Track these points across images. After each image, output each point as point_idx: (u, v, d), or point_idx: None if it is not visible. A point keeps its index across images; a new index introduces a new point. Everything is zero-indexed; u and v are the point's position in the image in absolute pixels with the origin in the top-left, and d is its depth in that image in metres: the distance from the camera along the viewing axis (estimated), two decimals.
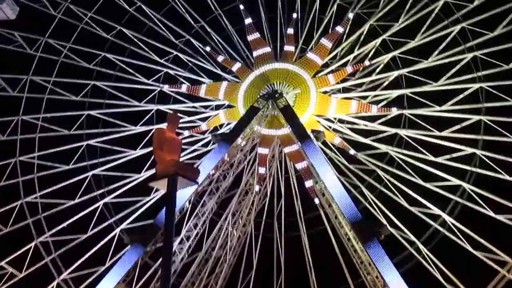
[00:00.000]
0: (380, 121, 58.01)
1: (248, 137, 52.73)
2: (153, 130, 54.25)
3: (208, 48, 61.35)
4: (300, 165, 57.34)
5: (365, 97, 59.21)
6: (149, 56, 62.11)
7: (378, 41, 58.46)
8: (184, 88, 60.37)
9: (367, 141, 58.22)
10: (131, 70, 61.98)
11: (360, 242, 42.20)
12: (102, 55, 62.18)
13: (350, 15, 59.50)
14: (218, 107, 61.63)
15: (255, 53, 59.48)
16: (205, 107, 61.75)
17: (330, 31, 59.49)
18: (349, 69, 58.69)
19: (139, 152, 61.20)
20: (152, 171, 53.52)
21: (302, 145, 48.81)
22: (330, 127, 58.87)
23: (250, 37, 59.56)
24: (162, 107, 61.39)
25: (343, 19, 59.87)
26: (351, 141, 59.23)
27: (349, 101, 57.69)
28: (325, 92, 58.33)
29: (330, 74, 58.19)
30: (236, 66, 60.00)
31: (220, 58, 60.34)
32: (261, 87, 58.39)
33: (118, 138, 61.69)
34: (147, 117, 61.45)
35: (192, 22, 62.88)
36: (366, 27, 59.01)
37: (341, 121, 59.02)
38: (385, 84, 58.64)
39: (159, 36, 62.70)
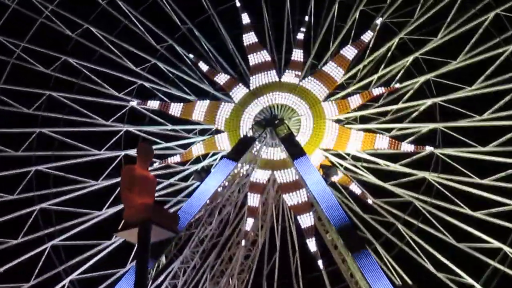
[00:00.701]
0: (404, 161, 52.32)
1: (238, 177, 47.20)
2: (120, 156, 53.44)
3: (192, 55, 55.04)
4: (304, 220, 50.76)
5: (387, 130, 53.25)
6: (122, 63, 55.95)
7: (410, 59, 52.68)
8: (156, 105, 53.97)
9: (388, 186, 52.75)
10: (98, 80, 55.45)
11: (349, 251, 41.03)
12: (63, 58, 55.62)
13: (379, 21, 53.47)
14: (205, 132, 55.31)
15: (251, 62, 53.53)
16: (189, 130, 55.27)
17: (350, 42, 53.63)
18: (376, 91, 52.19)
19: (101, 183, 54.38)
20: (117, 208, 53.35)
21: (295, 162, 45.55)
22: (341, 165, 53.17)
23: (246, 41, 53.64)
24: (133, 128, 54.91)
25: (365, 28, 54.19)
26: (362, 181, 53.80)
27: (374, 135, 51.52)
28: (338, 121, 52.50)
29: (356, 96, 51.91)
30: (222, 79, 53.62)
31: (204, 67, 53.81)
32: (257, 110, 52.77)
33: (77, 164, 55.35)
34: (114, 139, 54.73)
35: (179, 23, 56.31)
36: (395, 40, 53.25)
37: (355, 158, 52.93)
38: (414, 114, 52.91)
39: (136, 38, 56.71)
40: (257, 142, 48.48)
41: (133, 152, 51.12)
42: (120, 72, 55.72)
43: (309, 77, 52.72)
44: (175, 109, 53.41)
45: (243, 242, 49.73)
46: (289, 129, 49.42)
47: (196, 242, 44.94)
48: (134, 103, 54.77)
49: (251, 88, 52.30)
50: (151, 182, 20.73)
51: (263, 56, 53.12)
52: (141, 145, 20.90)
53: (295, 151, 46.73)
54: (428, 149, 51.14)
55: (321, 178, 44.95)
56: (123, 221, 20.09)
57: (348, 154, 52.86)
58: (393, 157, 52.70)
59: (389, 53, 53.69)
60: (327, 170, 48.64)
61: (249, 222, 49.99)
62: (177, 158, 54.08)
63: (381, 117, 53.86)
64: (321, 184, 44.52)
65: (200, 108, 52.83)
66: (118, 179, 50.82)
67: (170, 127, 55.08)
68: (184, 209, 43.87)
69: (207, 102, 53.23)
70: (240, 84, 53.12)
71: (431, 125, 52.10)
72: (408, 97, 52.68)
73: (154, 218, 20.04)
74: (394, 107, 53.13)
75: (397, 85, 52.62)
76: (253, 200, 50.76)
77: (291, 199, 50.81)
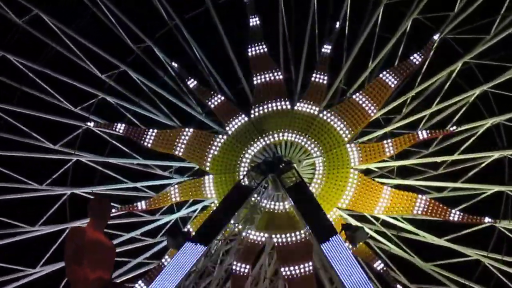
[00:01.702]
0: (448, 236, 46.47)
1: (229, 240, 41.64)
2: (66, 195, 48.17)
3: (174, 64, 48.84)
4: None
5: (438, 189, 47.25)
6: (83, 66, 49.34)
7: (477, 92, 46.56)
8: (121, 129, 47.85)
9: (444, 243, 46.50)
10: (48, 88, 48.87)
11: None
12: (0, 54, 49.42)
13: (436, 37, 47.13)
14: (186, 170, 49.29)
15: (256, 81, 47.08)
16: (164, 167, 49.24)
17: (397, 62, 47.58)
18: (422, 135, 45.94)
19: (39, 230, 48.44)
20: (57, 266, 46.98)
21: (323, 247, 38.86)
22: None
23: (251, 52, 47.30)
24: (87, 159, 48.69)
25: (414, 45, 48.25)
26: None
27: (415, 196, 45.15)
28: (366, 173, 46.70)
29: (394, 140, 45.75)
30: (215, 101, 47.36)
31: (191, 84, 47.63)
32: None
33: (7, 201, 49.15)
34: (60, 171, 48.23)
35: (165, 16, 49.54)
36: (458, 65, 46.94)
37: (386, 223, 46.88)
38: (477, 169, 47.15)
39: (105, 34, 50.59)
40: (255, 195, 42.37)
41: (82, 191, 47.49)
42: (79, 79, 49.38)
43: (335, 107, 46.25)
44: (149, 136, 47.30)
45: None
46: (300, 177, 42.78)
47: None
48: (91, 124, 48.84)
49: (252, 117, 46.02)
50: (108, 251, 21.13)
51: (272, 74, 46.82)
52: (95, 201, 23.17)
53: (323, 231, 39.84)
54: (487, 220, 45.49)
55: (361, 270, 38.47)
56: None
57: (377, 219, 47.12)
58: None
59: (449, 82, 47.67)
60: (352, 233, 42.05)
61: None
62: (144, 204, 48.02)
63: (430, 170, 48.46)
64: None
65: (183, 138, 46.94)
66: (62, 226, 46.51)
67: (139, 161, 49.47)
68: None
69: (190, 131, 47.22)
70: (237, 110, 47.29)
71: (501, 188, 46.26)
72: (470, 145, 47.07)
73: None
74: (449, 158, 47.29)
75: (454, 128, 46.91)
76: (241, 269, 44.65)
77: (292, 272, 44.00)
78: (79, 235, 20.79)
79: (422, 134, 46.24)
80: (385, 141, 46.41)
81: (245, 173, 44.74)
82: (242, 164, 45.98)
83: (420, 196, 45.37)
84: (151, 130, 47.45)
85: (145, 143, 47.25)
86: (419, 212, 45.11)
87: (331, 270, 39.07)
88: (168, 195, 47.73)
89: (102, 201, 22.04)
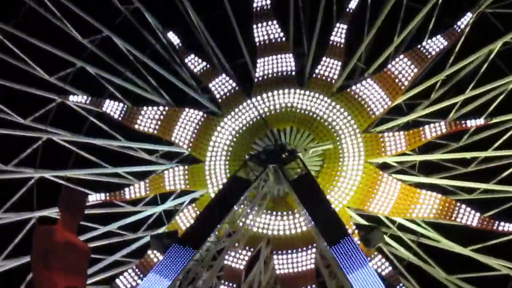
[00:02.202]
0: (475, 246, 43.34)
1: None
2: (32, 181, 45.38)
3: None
4: None
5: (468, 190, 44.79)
6: (61, 28, 46.71)
7: None
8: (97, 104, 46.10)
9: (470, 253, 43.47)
10: (19, 53, 45.93)
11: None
12: None
13: (469, 16, 44.04)
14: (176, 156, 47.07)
15: (259, 61, 44.52)
16: (151, 151, 46.52)
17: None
18: (444, 127, 42.71)
19: (4, 217, 45.20)
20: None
21: (333, 251, 36.79)
22: None
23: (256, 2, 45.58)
24: (59, 137, 45.27)
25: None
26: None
27: (451, 201, 41.92)
28: (382, 167, 44.09)
29: (423, 129, 42.81)
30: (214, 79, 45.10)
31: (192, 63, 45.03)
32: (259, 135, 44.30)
33: None
34: (28, 150, 45.38)
35: None
36: (498, 45, 43.95)
37: (402, 226, 44.30)
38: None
39: None
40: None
41: (52, 175, 44.30)
42: (55, 44, 46.63)
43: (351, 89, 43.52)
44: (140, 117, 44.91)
45: None
46: (306, 167, 40.11)
47: None
48: (76, 98, 45.86)
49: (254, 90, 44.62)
50: (81, 254, 19.11)
51: (275, 30, 44.95)
52: (67, 194, 20.57)
53: (332, 231, 37.42)
54: None
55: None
56: None
57: (393, 222, 44.52)
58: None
59: (485, 64, 44.78)
60: (367, 234, 39.33)
61: None
62: (126, 194, 44.99)
63: (459, 166, 45.53)
64: None
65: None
66: (28, 215, 44.26)
67: (121, 142, 46.61)
68: None
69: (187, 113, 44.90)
70: (225, 77, 44.80)
71: None
72: (507, 140, 44.42)
73: None
74: (481, 154, 44.67)
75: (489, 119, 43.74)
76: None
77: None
78: (48, 235, 18.92)
79: (455, 125, 42.94)
80: (399, 134, 43.33)
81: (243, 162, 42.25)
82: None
83: (425, 192, 41.98)
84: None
85: (132, 124, 44.49)
86: (425, 215, 41.92)
87: (342, 277, 36.52)
88: (170, 179, 44.68)
89: (76, 194, 20.90)
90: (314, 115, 44.00)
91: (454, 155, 45.08)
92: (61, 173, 46.55)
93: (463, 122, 43.13)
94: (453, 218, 41.82)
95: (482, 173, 45.51)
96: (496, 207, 43.56)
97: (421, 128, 43.06)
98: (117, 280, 42.28)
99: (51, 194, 44.93)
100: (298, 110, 44.37)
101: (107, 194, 45.34)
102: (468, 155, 45.10)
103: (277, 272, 42.93)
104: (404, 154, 43.96)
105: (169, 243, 37.92)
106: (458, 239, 44.56)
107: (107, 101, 45.54)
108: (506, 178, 44.55)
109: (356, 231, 41.45)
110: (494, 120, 43.42)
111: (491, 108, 44.23)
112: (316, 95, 44.16)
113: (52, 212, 43.93)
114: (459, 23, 44.84)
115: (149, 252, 42.17)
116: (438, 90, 45.70)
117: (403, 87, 43.60)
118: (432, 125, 43.31)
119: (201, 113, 44.69)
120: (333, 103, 43.81)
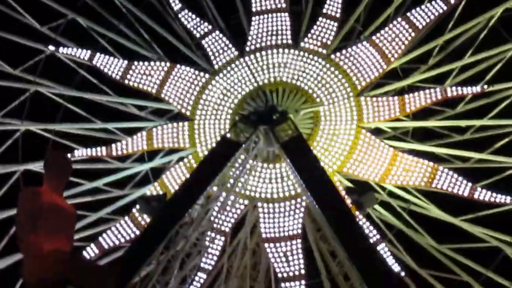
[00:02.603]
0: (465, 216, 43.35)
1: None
2: (18, 134, 44.38)
3: None
4: None
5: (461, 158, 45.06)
6: None
7: None
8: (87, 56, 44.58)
9: (460, 223, 43.19)
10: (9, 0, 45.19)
11: None
12: None
13: None
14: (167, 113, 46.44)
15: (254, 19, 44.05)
16: (141, 107, 46.00)
17: None
18: (453, 91, 42.37)
19: None
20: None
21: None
22: None
23: None
24: (47, 89, 44.32)
25: None
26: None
27: (436, 168, 41.44)
28: (376, 132, 43.99)
29: (418, 94, 42.56)
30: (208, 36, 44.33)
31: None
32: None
33: None
34: (17, 101, 44.22)
35: None
36: (499, 11, 43.37)
37: (392, 193, 43.79)
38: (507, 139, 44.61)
39: None
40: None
41: (39, 127, 43.44)
42: None
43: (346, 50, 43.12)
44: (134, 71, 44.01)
45: None
46: (297, 129, 39.87)
47: None
48: (65, 50, 44.74)
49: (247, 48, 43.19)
50: (68, 216, 18.77)
51: None
52: (52, 154, 19.42)
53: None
54: None
55: None
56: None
57: (384, 189, 43.80)
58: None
59: (485, 30, 44.22)
60: (358, 198, 39.29)
61: None
62: (114, 150, 44.20)
63: (454, 134, 45.50)
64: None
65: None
66: (13, 168, 42.46)
67: (117, 98, 45.72)
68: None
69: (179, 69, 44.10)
70: (218, 34, 44.01)
71: None
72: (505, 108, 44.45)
73: (75, 279, 18.25)
74: (477, 122, 44.58)
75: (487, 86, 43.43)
76: None
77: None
78: (33, 197, 18.17)
79: (451, 91, 42.31)
80: (398, 96, 42.71)
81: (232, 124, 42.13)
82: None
83: (416, 159, 41.54)
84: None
85: (127, 81, 43.49)
86: (416, 183, 41.45)
87: (333, 241, 35.89)
88: (159, 136, 43.77)
89: (61, 155, 19.45)
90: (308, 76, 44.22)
91: (449, 122, 44.88)
92: (48, 126, 45.82)
93: (459, 89, 42.72)
94: (444, 187, 41.45)
95: (478, 142, 45.30)
96: (491, 177, 43.69)
97: (416, 94, 42.71)
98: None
99: (38, 148, 44.96)
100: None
101: (94, 149, 43.60)
102: (463, 123, 44.98)
103: (263, 236, 42.07)
104: (398, 119, 43.69)
105: (157, 207, 38.26)
106: (449, 209, 43.96)
107: (98, 54, 44.77)
108: (501, 148, 44.35)
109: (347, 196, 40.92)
110: (491, 88, 43.21)
111: (489, 76, 43.99)
112: (310, 56, 43.68)
113: (37, 166, 42.69)
114: None
115: (134, 210, 40.93)
116: (436, 55, 45.34)
117: (399, 51, 42.90)
118: (427, 90, 42.93)
119: (192, 70, 43.94)
120: (327, 65, 43.21)
